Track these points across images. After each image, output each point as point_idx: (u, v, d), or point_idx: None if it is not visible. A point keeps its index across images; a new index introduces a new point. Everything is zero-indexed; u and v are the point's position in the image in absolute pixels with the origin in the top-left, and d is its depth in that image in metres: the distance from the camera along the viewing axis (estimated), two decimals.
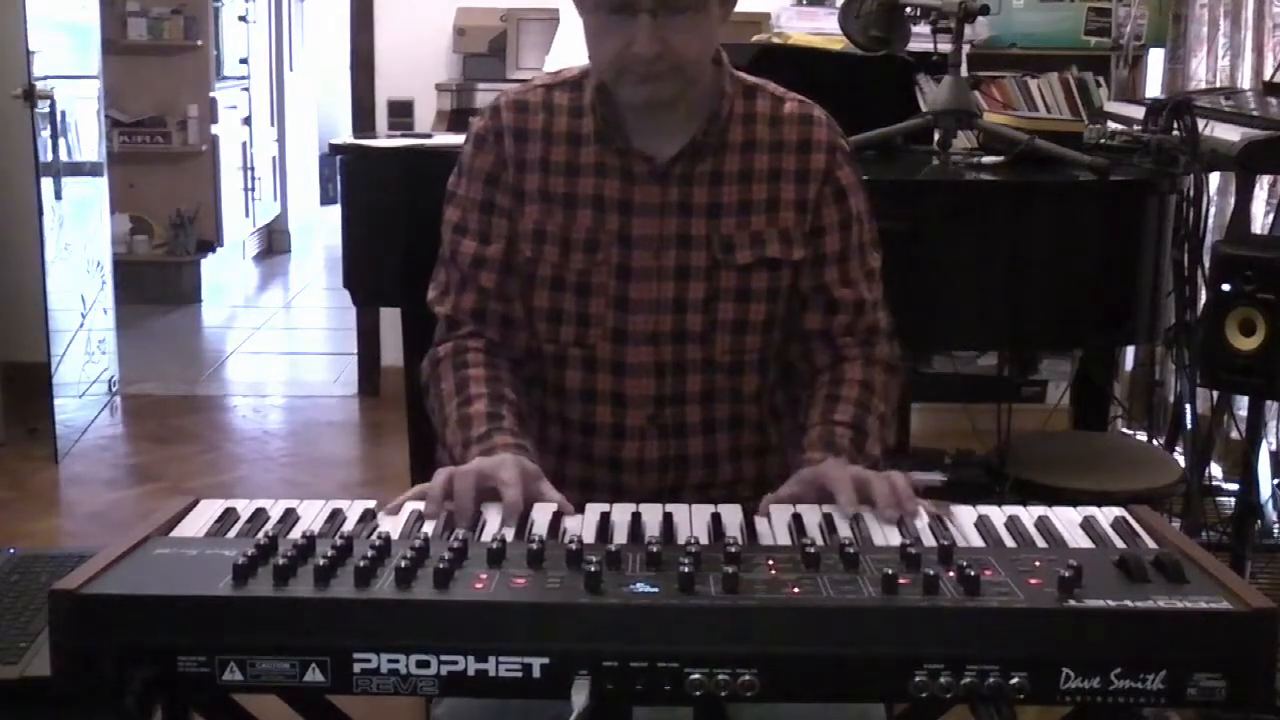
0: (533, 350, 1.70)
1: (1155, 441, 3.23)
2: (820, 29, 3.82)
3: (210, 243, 6.88)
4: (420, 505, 1.40)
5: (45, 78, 4.29)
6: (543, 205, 1.66)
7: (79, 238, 4.65)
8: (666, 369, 1.67)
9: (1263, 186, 3.31)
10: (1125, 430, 3.62)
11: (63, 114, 4.46)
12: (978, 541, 1.31)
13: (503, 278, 1.68)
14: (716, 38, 1.62)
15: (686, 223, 1.65)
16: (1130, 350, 3.92)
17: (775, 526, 1.37)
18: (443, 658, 1.10)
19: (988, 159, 2.73)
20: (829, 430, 1.57)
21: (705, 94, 1.64)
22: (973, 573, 1.13)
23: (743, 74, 1.71)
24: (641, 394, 1.67)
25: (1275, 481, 2.91)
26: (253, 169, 7.45)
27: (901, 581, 1.13)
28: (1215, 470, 3.32)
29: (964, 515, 1.38)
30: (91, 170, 4.91)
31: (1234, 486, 2.83)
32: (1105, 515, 1.37)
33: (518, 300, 1.69)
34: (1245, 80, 3.63)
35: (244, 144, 7.36)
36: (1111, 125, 2.87)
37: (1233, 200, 3.05)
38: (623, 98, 1.61)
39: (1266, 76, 3.31)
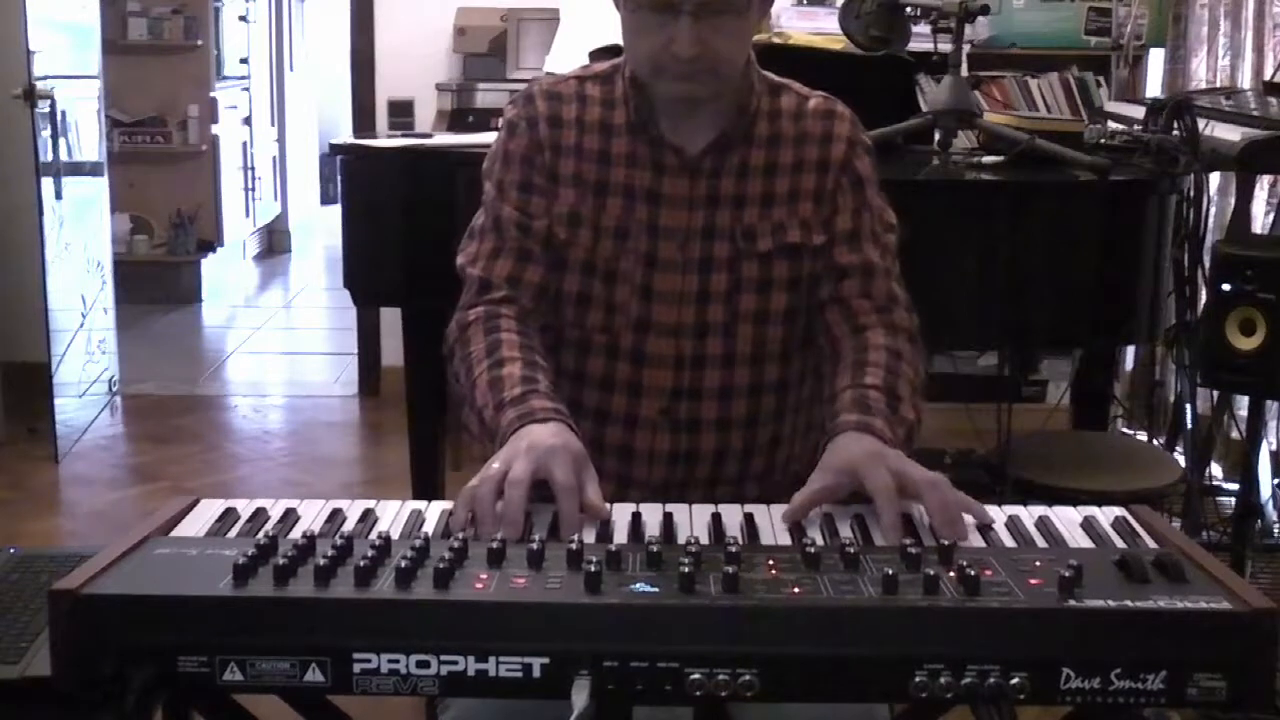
0: (555, 333, 1.70)
1: (1155, 441, 3.23)
2: (820, 29, 3.82)
3: (210, 243, 6.88)
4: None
5: (45, 78, 4.30)
6: (577, 189, 1.67)
7: (79, 237, 4.65)
8: (685, 362, 1.67)
9: (1263, 186, 3.30)
10: (1125, 430, 3.62)
11: (63, 114, 4.46)
12: (978, 541, 1.31)
13: (543, 249, 1.67)
14: (752, 37, 1.64)
15: (712, 214, 1.66)
16: (1130, 350, 3.92)
17: (775, 526, 1.37)
18: (443, 658, 1.10)
19: (988, 159, 2.73)
20: (861, 393, 1.54)
21: (735, 89, 1.66)
22: (973, 573, 1.13)
23: (768, 73, 1.73)
24: (658, 385, 1.67)
25: (1275, 481, 2.91)
26: (253, 169, 7.45)
27: (902, 581, 1.13)
28: (1215, 470, 3.32)
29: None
30: (92, 170, 4.91)
31: (1234, 486, 2.83)
32: (1105, 515, 1.37)
33: (555, 271, 1.68)
34: (1245, 80, 3.63)
35: (244, 144, 7.36)
36: (1111, 125, 2.87)
37: (1233, 200, 3.06)
38: (658, 93, 1.63)
39: (1266, 76, 3.31)
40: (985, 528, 1.34)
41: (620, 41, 1.69)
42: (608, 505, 1.38)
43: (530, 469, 1.36)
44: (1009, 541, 1.31)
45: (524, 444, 1.41)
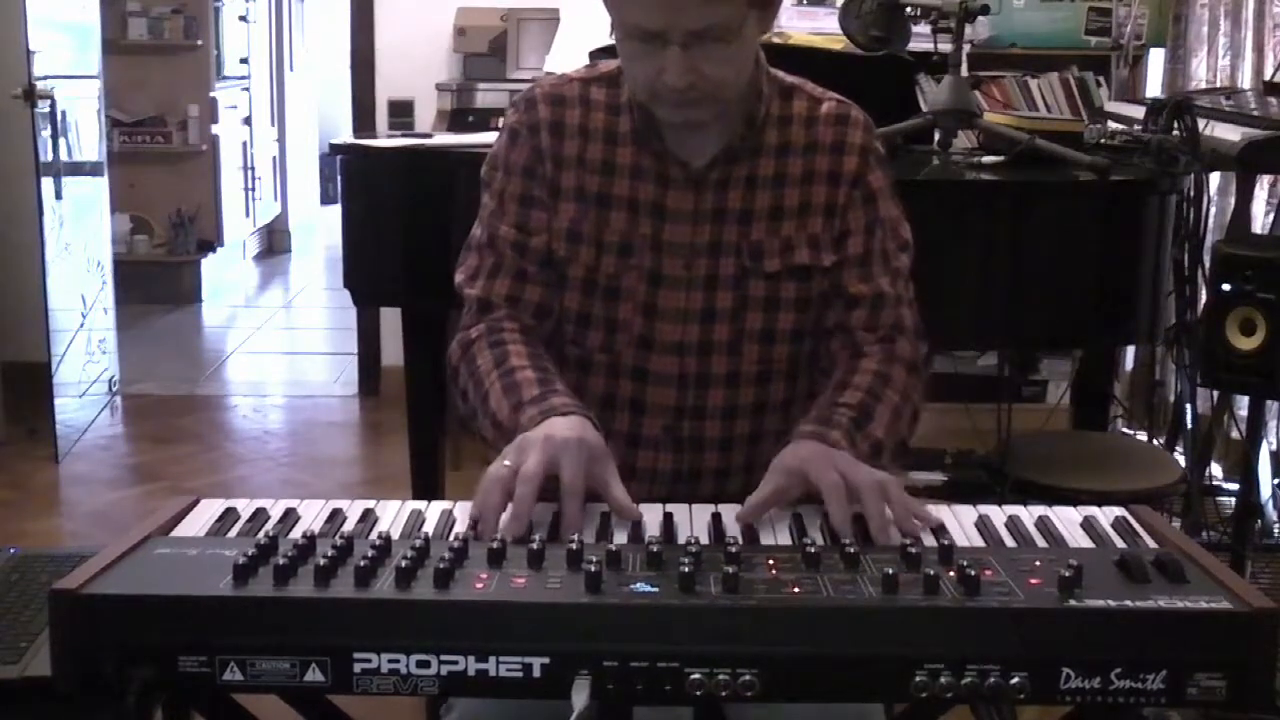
0: (555, 351, 1.66)
1: (1155, 441, 3.22)
2: (820, 29, 3.82)
3: (210, 243, 6.89)
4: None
5: (45, 78, 4.30)
6: (579, 204, 1.63)
7: (79, 237, 4.65)
8: (690, 380, 1.64)
9: (1263, 186, 3.31)
10: (1125, 430, 3.62)
11: (63, 114, 4.46)
12: (978, 541, 1.31)
13: (541, 269, 1.64)
14: (752, 55, 1.58)
15: (719, 230, 1.62)
16: (1130, 350, 3.92)
17: (775, 526, 1.37)
18: (443, 658, 1.10)
19: (988, 159, 2.73)
20: (829, 410, 1.53)
21: (742, 98, 1.61)
22: (973, 573, 1.13)
23: (781, 73, 1.68)
24: (661, 403, 1.64)
25: (1275, 481, 2.91)
26: (253, 169, 7.45)
27: (902, 581, 1.13)
28: (1215, 470, 3.32)
29: (964, 515, 1.38)
30: (92, 170, 4.91)
31: (1234, 486, 2.83)
32: (1105, 515, 1.37)
33: (554, 289, 1.65)
34: (1245, 80, 3.63)
35: (244, 144, 7.36)
36: (1112, 125, 2.87)
37: (1233, 200, 3.06)
38: (659, 116, 1.59)
39: (1266, 76, 3.31)
40: (936, 530, 1.34)
41: None
42: (637, 507, 1.38)
43: (543, 463, 1.35)
44: (1009, 541, 1.31)
45: (540, 435, 1.39)
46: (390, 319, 4.27)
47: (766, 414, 1.67)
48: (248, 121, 7.43)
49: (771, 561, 1.19)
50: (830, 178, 1.63)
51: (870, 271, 1.65)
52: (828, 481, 1.37)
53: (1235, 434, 2.97)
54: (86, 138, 4.80)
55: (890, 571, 1.13)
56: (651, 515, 1.37)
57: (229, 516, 1.36)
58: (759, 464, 1.66)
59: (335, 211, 3.20)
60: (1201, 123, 2.57)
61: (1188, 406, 2.78)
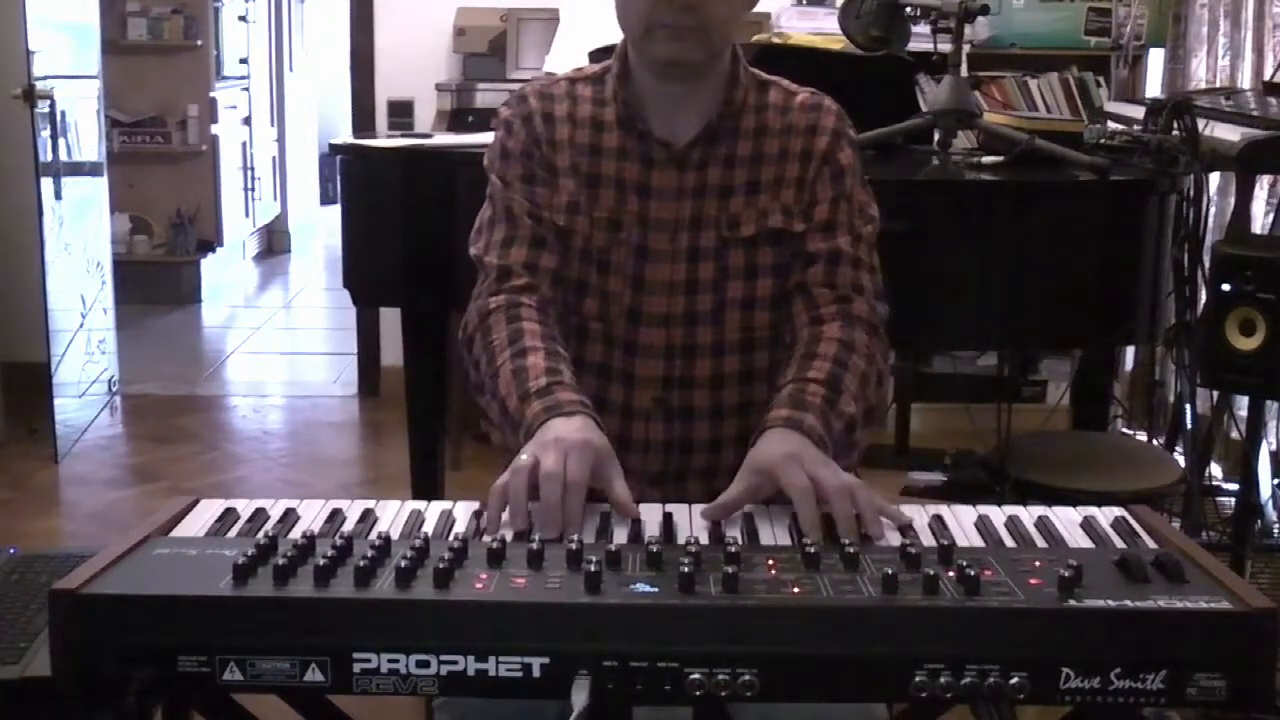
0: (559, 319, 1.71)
1: (1155, 441, 3.22)
2: (820, 29, 3.83)
3: (210, 243, 6.89)
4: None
5: (45, 78, 4.30)
6: (574, 180, 1.70)
7: (79, 238, 4.65)
8: (676, 351, 1.69)
9: (1263, 186, 3.30)
10: (1125, 430, 3.62)
11: (63, 114, 4.46)
12: (978, 541, 1.32)
13: (555, 237, 1.69)
14: (741, 14, 1.68)
15: (700, 205, 1.69)
16: (1130, 350, 3.92)
17: (775, 526, 1.37)
18: (443, 658, 1.10)
19: (988, 159, 2.73)
20: (801, 387, 1.56)
21: (721, 81, 1.69)
22: (973, 573, 1.13)
23: (757, 70, 1.76)
24: (650, 375, 1.69)
25: (1275, 481, 2.91)
26: (253, 169, 7.45)
27: (902, 581, 1.13)
28: (1215, 470, 3.32)
29: (964, 515, 1.38)
30: (91, 170, 4.91)
31: (1234, 486, 2.83)
32: (1105, 515, 1.38)
33: (565, 257, 1.70)
34: (1245, 80, 3.63)
35: (244, 144, 7.36)
36: (1111, 125, 2.87)
37: (1233, 200, 3.05)
38: (649, 56, 1.64)
39: (1266, 76, 3.31)
40: (905, 528, 1.35)
41: (618, 41, 1.71)
42: (636, 506, 1.39)
43: (560, 462, 1.38)
44: (1009, 541, 1.31)
45: (551, 436, 1.43)
46: (390, 319, 4.26)
47: (754, 383, 1.71)
48: (247, 121, 7.43)
49: (771, 561, 1.19)
50: (803, 155, 1.71)
51: (833, 234, 1.70)
52: (797, 487, 1.38)
53: (1235, 434, 2.97)
54: (86, 138, 4.80)
55: (890, 571, 1.13)
56: (651, 515, 1.37)
57: (229, 517, 1.36)
58: (750, 436, 1.68)
59: (335, 211, 3.20)
60: (1201, 123, 2.56)
61: (1188, 406, 2.78)
